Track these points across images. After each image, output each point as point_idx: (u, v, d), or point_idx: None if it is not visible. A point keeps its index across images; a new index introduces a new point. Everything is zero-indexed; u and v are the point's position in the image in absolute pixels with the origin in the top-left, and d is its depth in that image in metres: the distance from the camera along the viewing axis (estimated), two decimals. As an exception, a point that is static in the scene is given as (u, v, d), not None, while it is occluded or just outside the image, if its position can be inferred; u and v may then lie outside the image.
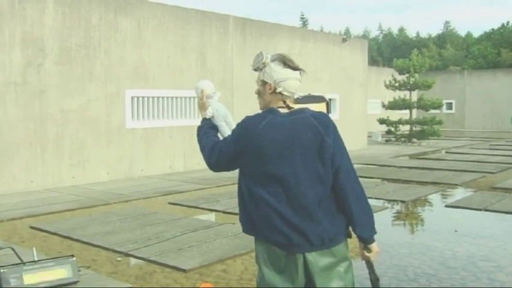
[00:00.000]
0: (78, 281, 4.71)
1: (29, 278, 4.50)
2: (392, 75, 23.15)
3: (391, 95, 24.58)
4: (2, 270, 4.42)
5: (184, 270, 5.23)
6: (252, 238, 2.70)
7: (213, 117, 2.94)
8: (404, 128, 23.01)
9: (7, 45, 9.89)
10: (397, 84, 22.64)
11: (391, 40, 79.38)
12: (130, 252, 5.86)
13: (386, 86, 23.04)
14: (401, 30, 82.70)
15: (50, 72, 10.50)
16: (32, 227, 7.20)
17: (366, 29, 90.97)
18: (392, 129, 22.45)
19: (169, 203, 9.02)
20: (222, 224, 7.34)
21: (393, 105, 22.76)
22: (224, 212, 8.13)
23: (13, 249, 5.00)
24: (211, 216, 8.14)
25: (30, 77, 10.21)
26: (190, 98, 13.26)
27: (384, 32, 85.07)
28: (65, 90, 10.77)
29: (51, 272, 4.62)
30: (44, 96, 10.41)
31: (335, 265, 2.59)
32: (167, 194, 9.90)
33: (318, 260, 2.55)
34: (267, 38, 15.55)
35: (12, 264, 4.58)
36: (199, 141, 2.87)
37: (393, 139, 22.52)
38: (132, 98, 12.09)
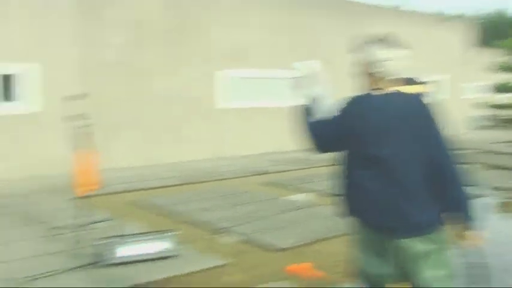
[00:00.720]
0: (177, 255, 4.85)
1: (130, 250, 4.69)
2: (500, 57, 21.79)
3: (494, 77, 23.17)
4: (103, 242, 4.65)
5: (277, 249, 5.25)
6: (348, 221, 2.65)
7: (312, 98, 2.87)
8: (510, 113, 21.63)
9: (108, 27, 10.29)
10: (506, 65, 21.26)
11: (492, 21, 75.00)
12: (224, 230, 5.97)
13: (494, 68, 21.74)
14: (502, 10, 77.84)
15: (151, 53, 10.85)
16: (132, 202, 7.52)
17: (466, 9, 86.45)
18: (498, 113, 21.21)
19: (263, 183, 9.09)
20: (316, 205, 7.29)
21: (503, 88, 21.42)
22: (319, 194, 8.06)
23: (115, 222, 5.23)
24: (306, 197, 8.10)
25: (132, 57, 10.60)
26: (287, 78, 13.22)
27: (485, 12, 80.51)
28: (165, 70, 11.10)
29: (152, 245, 4.80)
30: (145, 77, 10.79)
31: (431, 252, 2.49)
32: (262, 173, 9.98)
33: (413, 246, 2.47)
34: (365, 19, 15.15)
35: (113, 236, 4.79)
36: (298, 122, 2.83)
37: (499, 124, 21.29)
38: (230, 78, 12.25)
